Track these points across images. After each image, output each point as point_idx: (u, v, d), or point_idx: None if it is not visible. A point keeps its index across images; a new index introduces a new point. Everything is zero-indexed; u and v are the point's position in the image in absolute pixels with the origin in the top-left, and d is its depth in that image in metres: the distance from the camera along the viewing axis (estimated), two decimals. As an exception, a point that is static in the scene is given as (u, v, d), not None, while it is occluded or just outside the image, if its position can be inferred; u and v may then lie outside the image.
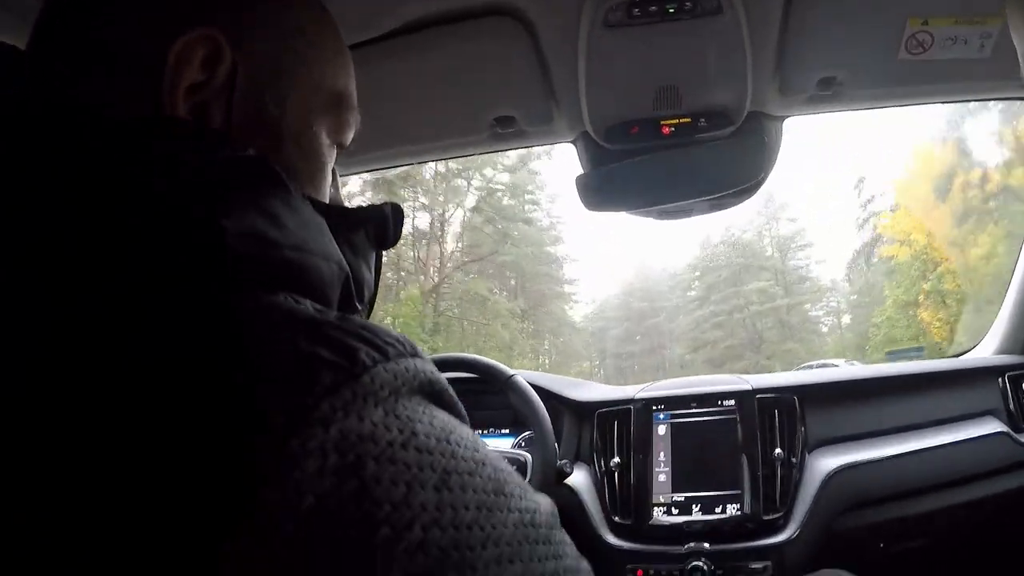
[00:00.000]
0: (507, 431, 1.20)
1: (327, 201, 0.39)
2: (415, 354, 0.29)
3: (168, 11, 0.33)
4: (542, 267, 17.13)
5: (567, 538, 0.32)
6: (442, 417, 0.28)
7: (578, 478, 1.06)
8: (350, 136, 0.41)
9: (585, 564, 0.32)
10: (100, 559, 0.21)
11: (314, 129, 0.38)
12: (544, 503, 0.31)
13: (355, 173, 1.07)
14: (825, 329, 17.08)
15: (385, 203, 0.41)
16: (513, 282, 16.66)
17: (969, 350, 1.27)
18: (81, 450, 0.22)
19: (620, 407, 1.14)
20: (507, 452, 1.10)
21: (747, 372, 1.27)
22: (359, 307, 0.37)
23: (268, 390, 0.23)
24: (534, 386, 1.02)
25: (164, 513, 0.21)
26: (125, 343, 0.24)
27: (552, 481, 0.96)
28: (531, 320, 17.03)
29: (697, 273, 19.82)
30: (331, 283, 0.32)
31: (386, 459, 0.23)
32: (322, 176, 0.39)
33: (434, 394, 0.29)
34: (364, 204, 0.40)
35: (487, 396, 1.03)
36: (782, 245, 17.88)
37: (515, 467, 1.18)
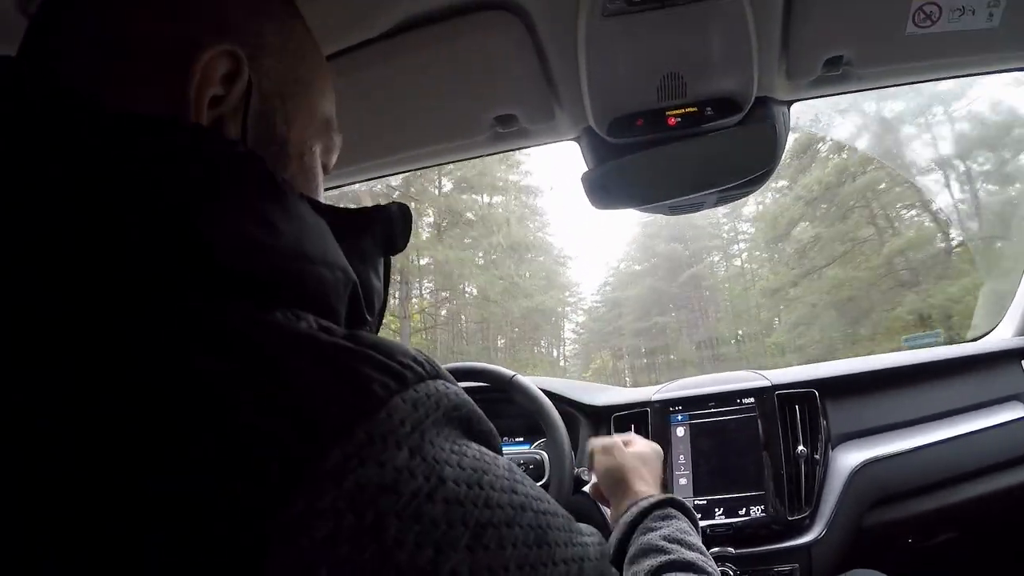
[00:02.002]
0: (521, 439, 1.16)
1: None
2: (436, 375, 0.25)
3: (192, 20, 0.33)
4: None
5: (614, 572, 0.30)
6: (473, 452, 0.25)
7: (596, 486, 1.02)
8: (334, 158, 0.42)
9: None
10: None
11: (313, 149, 0.38)
12: (591, 544, 0.28)
13: (351, 183, 1.04)
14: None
15: (391, 203, 0.38)
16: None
17: (986, 334, 1.24)
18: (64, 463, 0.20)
19: (636, 410, 1.12)
20: (522, 453, 1.07)
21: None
22: (368, 319, 0.34)
23: (260, 435, 0.19)
24: (547, 392, 0.99)
25: None
26: (109, 355, 0.21)
27: (569, 490, 0.92)
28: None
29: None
30: (337, 294, 0.29)
31: (410, 515, 0.20)
32: (318, 195, 0.39)
33: (463, 420, 0.26)
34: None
35: (499, 404, 1.00)
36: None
37: (531, 467, 1.12)
